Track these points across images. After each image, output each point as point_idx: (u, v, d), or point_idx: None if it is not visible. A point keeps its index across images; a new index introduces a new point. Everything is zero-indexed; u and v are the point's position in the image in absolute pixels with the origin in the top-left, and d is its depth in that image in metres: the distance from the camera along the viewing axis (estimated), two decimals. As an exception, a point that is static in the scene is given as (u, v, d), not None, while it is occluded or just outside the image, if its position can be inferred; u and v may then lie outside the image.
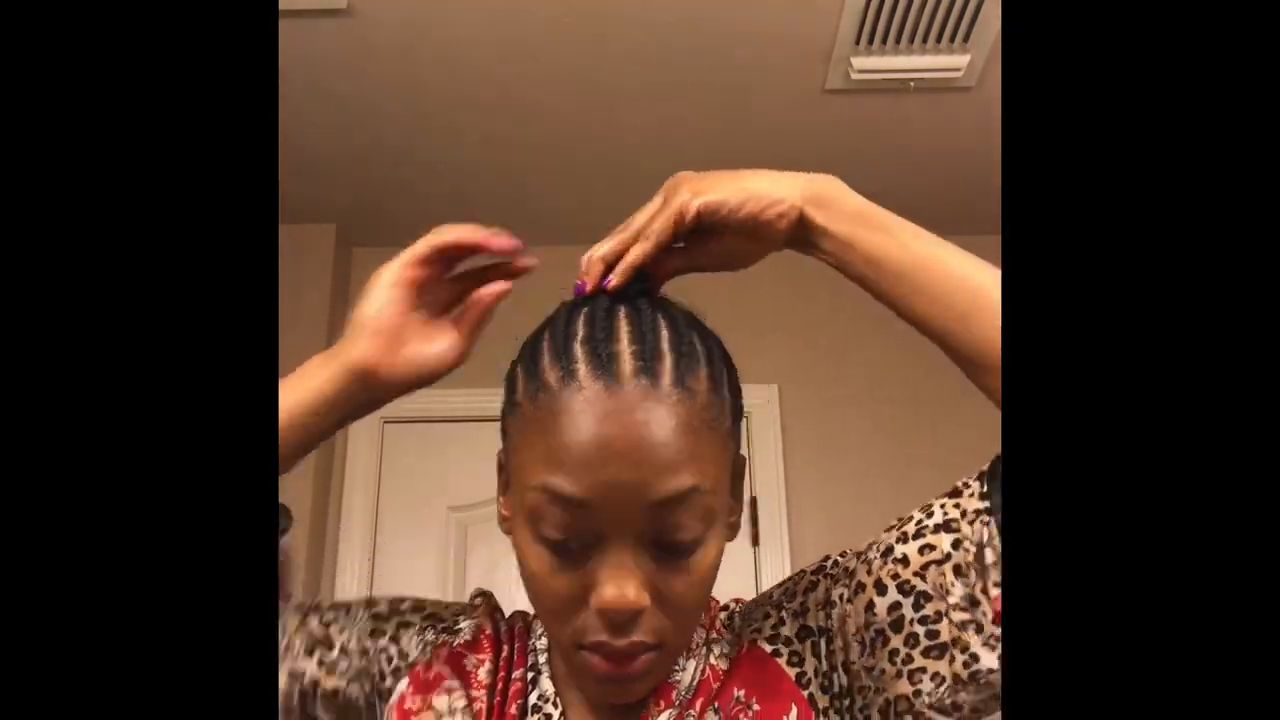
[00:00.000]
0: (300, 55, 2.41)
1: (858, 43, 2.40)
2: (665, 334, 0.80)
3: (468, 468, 3.03)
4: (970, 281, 0.81)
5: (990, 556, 0.78)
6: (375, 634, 0.93)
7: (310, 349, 3.27)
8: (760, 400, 3.13)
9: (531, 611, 0.92)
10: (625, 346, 0.78)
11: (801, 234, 0.86)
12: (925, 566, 0.81)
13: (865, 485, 2.98)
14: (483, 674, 0.88)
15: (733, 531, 0.86)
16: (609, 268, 0.86)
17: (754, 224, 0.84)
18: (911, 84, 2.52)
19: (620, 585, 0.75)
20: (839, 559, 0.91)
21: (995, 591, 0.78)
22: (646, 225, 0.86)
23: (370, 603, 0.96)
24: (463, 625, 0.93)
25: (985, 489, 0.81)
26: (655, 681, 0.83)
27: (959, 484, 0.84)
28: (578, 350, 0.78)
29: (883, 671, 0.82)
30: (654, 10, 2.30)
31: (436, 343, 0.92)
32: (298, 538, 3.06)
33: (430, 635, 0.93)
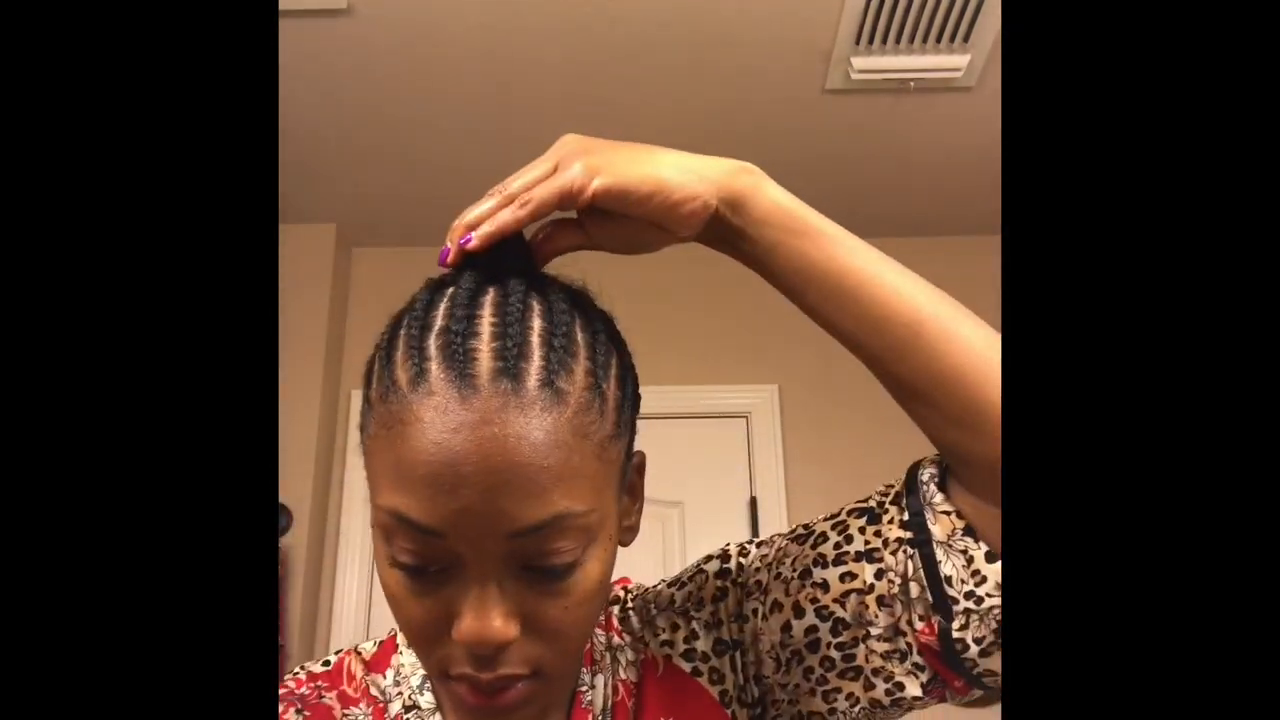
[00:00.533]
0: (300, 55, 2.41)
1: (858, 43, 2.40)
2: (536, 324, 0.70)
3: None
4: (906, 308, 0.74)
5: (915, 589, 0.74)
6: None
7: (310, 348, 3.28)
8: (760, 400, 3.13)
9: (363, 652, 0.87)
10: (485, 343, 0.67)
11: (717, 232, 0.78)
12: (845, 594, 0.77)
13: (865, 485, 2.97)
14: None
15: (630, 534, 0.78)
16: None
17: (661, 216, 0.75)
18: (911, 84, 2.52)
19: (481, 617, 0.66)
20: (741, 560, 0.86)
21: (920, 624, 0.75)
22: (525, 191, 0.73)
23: None
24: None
25: (906, 516, 0.77)
26: (537, 709, 0.75)
27: (874, 504, 0.81)
28: (432, 345, 0.68)
29: (797, 686, 0.81)
30: (654, 10, 2.30)
31: None
32: (297, 537, 3.04)
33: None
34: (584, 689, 0.81)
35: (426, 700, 0.80)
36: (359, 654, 0.86)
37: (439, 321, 0.69)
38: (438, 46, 2.41)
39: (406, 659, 0.83)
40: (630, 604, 0.90)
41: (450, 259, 0.73)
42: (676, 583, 0.89)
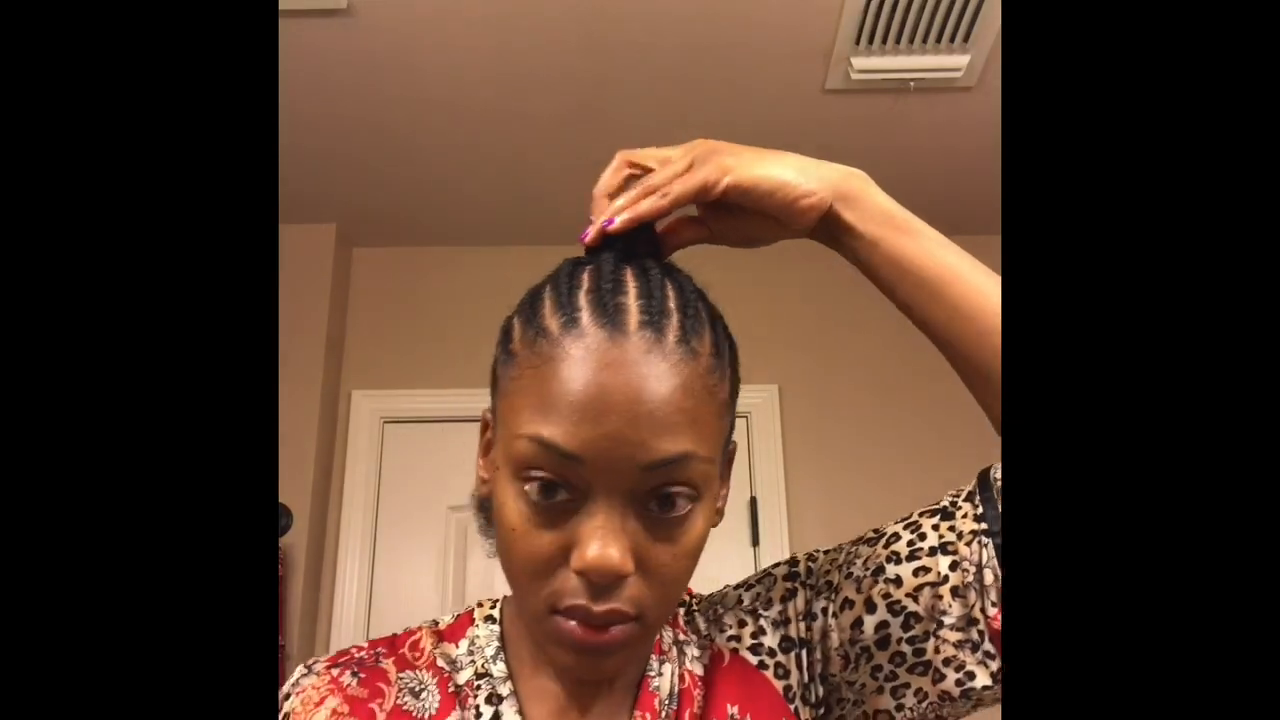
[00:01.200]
0: (300, 55, 2.41)
1: (858, 42, 2.40)
2: (672, 293, 0.77)
3: (468, 468, 3.03)
4: (991, 299, 0.80)
5: (989, 577, 0.78)
6: None
7: (310, 348, 3.28)
8: (760, 400, 3.14)
9: (439, 623, 0.90)
10: (632, 300, 0.74)
11: (827, 228, 0.86)
12: (919, 588, 0.81)
13: (865, 485, 2.98)
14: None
15: (719, 517, 0.83)
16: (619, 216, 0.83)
17: (781, 210, 0.83)
18: (911, 84, 2.52)
19: (605, 545, 0.70)
20: (810, 564, 0.90)
21: (993, 610, 0.78)
22: (666, 184, 0.83)
23: None
24: (286, 709, 0.85)
25: (980, 509, 0.81)
26: (627, 659, 0.79)
27: (947, 503, 0.85)
28: (582, 299, 0.75)
29: (864, 685, 0.83)
30: (653, 10, 2.30)
31: None
32: (297, 537, 3.04)
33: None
34: (652, 674, 0.84)
35: (499, 669, 0.84)
36: (434, 625, 0.90)
37: (586, 283, 0.76)
38: (438, 46, 2.41)
39: (482, 630, 0.88)
40: (695, 607, 0.93)
41: (590, 237, 0.83)
42: (743, 585, 0.93)
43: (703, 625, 0.91)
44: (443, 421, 3.09)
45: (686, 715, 0.82)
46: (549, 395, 0.71)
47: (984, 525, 0.80)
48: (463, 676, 0.84)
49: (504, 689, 0.83)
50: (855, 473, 3.03)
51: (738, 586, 0.93)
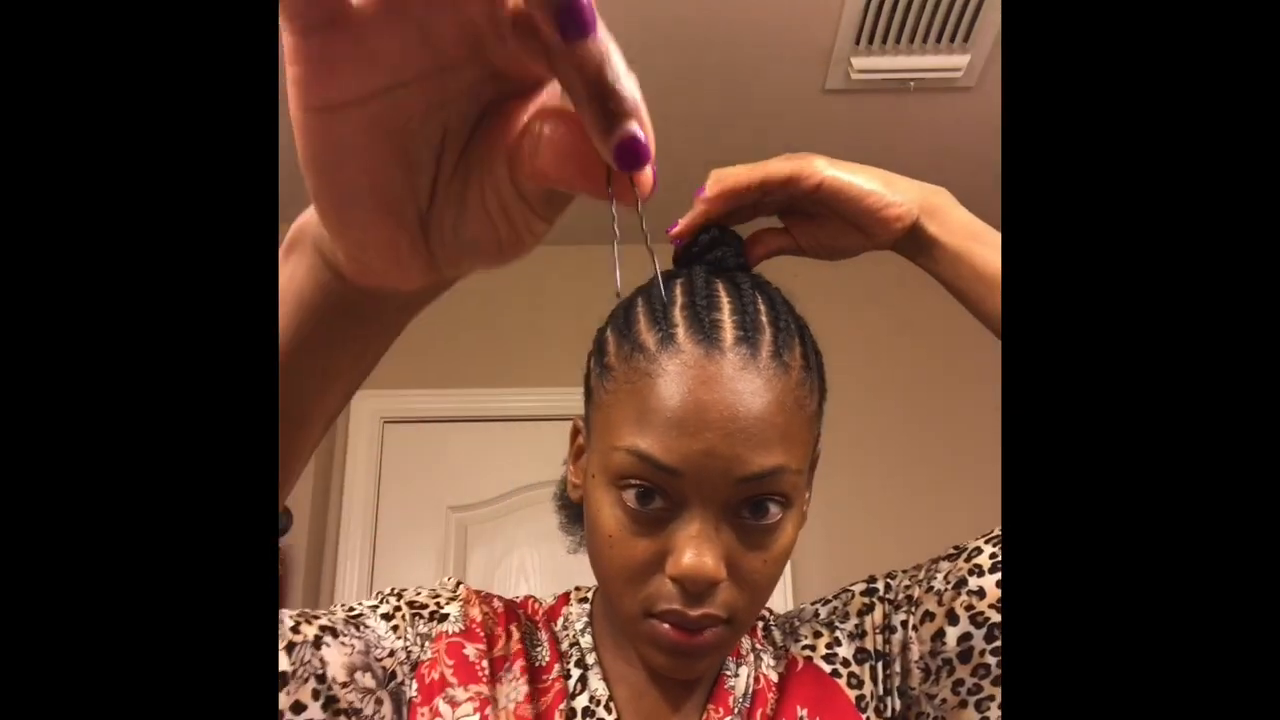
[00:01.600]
0: (300, 55, 2.41)
1: (858, 42, 2.40)
2: (763, 307, 0.79)
3: (468, 467, 3.04)
4: None
5: None
6: (394, 640, 0.86)
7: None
8: (760, 400, 3.13)
9: (541, 601, 0.92)
10: (727, 315, 0.76)
11: (913, 241, 0.87)
12: (1001, 600, 0.81)
13: (864, 486, 2.98)
14: (485, 665, 0.84)
15: (803, 519, 0.84)
16: (723, 195, 0.83)
17: (870, 218, 0.85)
18: (911, 84, 2.52)
19: (700, 553, 0.73)
20: (889, 581, 0.91)
21: None
22: (765, 167, 0.85)
23: (371, 609, 0.88)
24: (449, 610, 0.88)
25: None
26: (718, 660, 0.82)
27: None
28: (677, 315, 0.76)
29: (944, 701, 0.83)
30: (654, 9, 2.30)
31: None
32: (297, 537, 3.04)
33: (422, 626, 0.87)
34: (729, 674, 0.86)
35: (586, 641, 0.88)
36: (536, 600, 0.94)
37: (680, 298, 0.78)
38: (438, 46, 2.42)
39: (575, 609, 0.91)
40: (773, 622, 0.95)
41: (679, 229, 0.84)
42: (822, 600, 0.95)
43: (779, 638, 0.92)
44: (443, 421, 3.10)
45: (759, 714, 0.84)
46: (647, 410, 0.73)
47: None
48: (563, 643, 0.88)
49: (590, 659, 0.87)
50: (856, 472, 3.02)
51: (815, 602, 0.95)
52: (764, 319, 0.77)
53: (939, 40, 2.39)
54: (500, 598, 0.93)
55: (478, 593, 0.92)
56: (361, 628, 0.83)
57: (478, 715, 0.81)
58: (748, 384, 0.73)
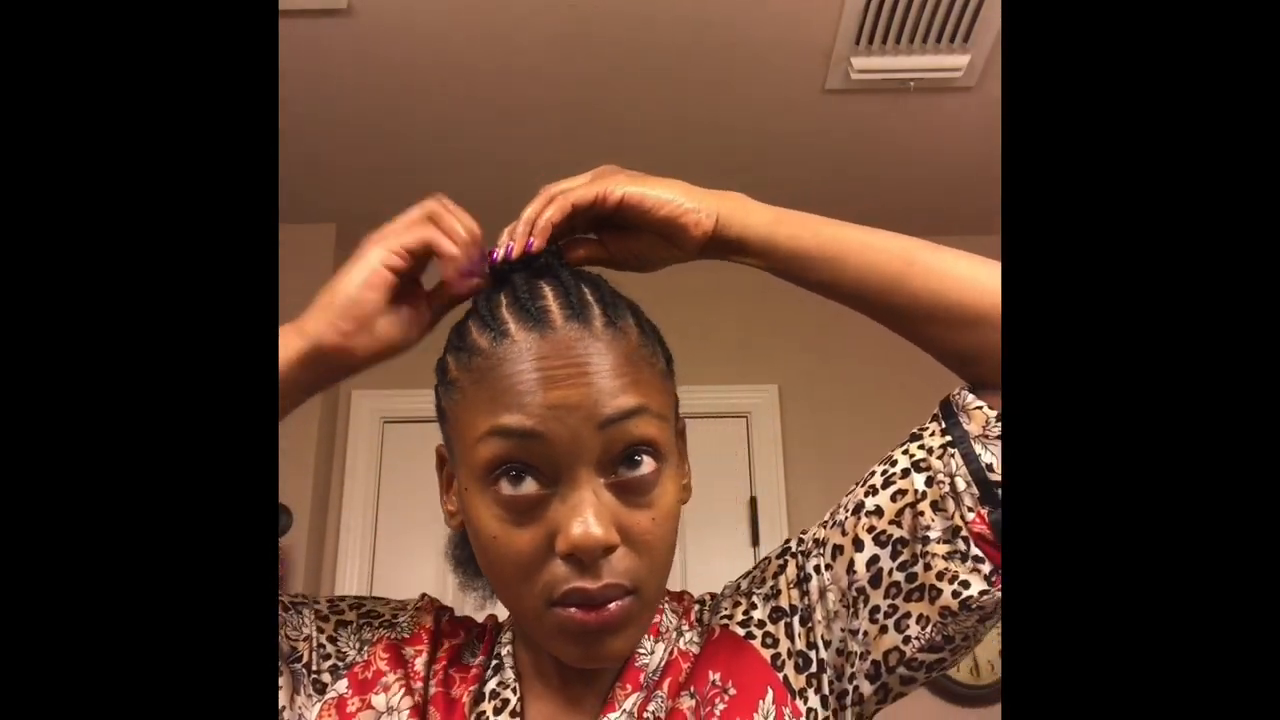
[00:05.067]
0: (300, 55, 2.41)
1: (858, 42, 2.40)
2: (587, 290, 0.82)
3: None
4: (893, 246, 0.86)
5: (961, 484, 0.81)
6: (315, 632, 0.90)
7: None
8: (760, 400, 3.13)
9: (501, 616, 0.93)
10: (552, 300, 0.80)
11: (718, 243, 0.89)
12: (900, 512, 0.84)
13: (859, 475, 2.96)
14: (419, 664, 0.88)
15: (686, 494, 0.88)
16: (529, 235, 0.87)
17: (670, 227, 0.86)
18: (911, 84, 2.52)
19: (585, 522, 0.74)
20: (801, 536, 0.93)
21: (971, 516, 0.80)
22: (562, 192, 0.88)
23: (311, 601, 0.92)
24: (401, 620, 0.93)
25: (945, 425, 0.85)
26: (634, 637, 0.81)
27: (915, 430, 0.89)
28: (504, 313, 0.80)
29: (866, 633, 0.84)
30: (654, 10, 2.30)
31: (403, 320, 0.88)
32: (297, 537, 3.03)
33: (367, 633, 0.91)
34: (642, 651, 0.87)
35: (507, 637, 0.91)
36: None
37: (504, 299, 0.81)
38: (438, 46, 2.41)
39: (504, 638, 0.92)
40: (707, 604, 0.96)
41: (501, 255, 0.87)
42: (745, 574, 0.96)
43: (706, 617, 0.93)
44: (443, 421, 3.09)
45: (667, 683, 0.85)
46: (497, 393, 0.76)
47: (949, 437, 0.84)
48: (497, 646, 0.91)
49: (505, 650, 0.90)
50: (855, 472, 3.00)
51: (741, 576, 0.96)
52: (589, 298, 0.81)
53: (939, 40, 2.39)
54: (493, 620, 0.96)
55: (446, 609, 0.96)
56: (296, 610, 0.90)
57: (403, 692, 0.85)
58: (588, 347, 0.77)
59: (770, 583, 0.91)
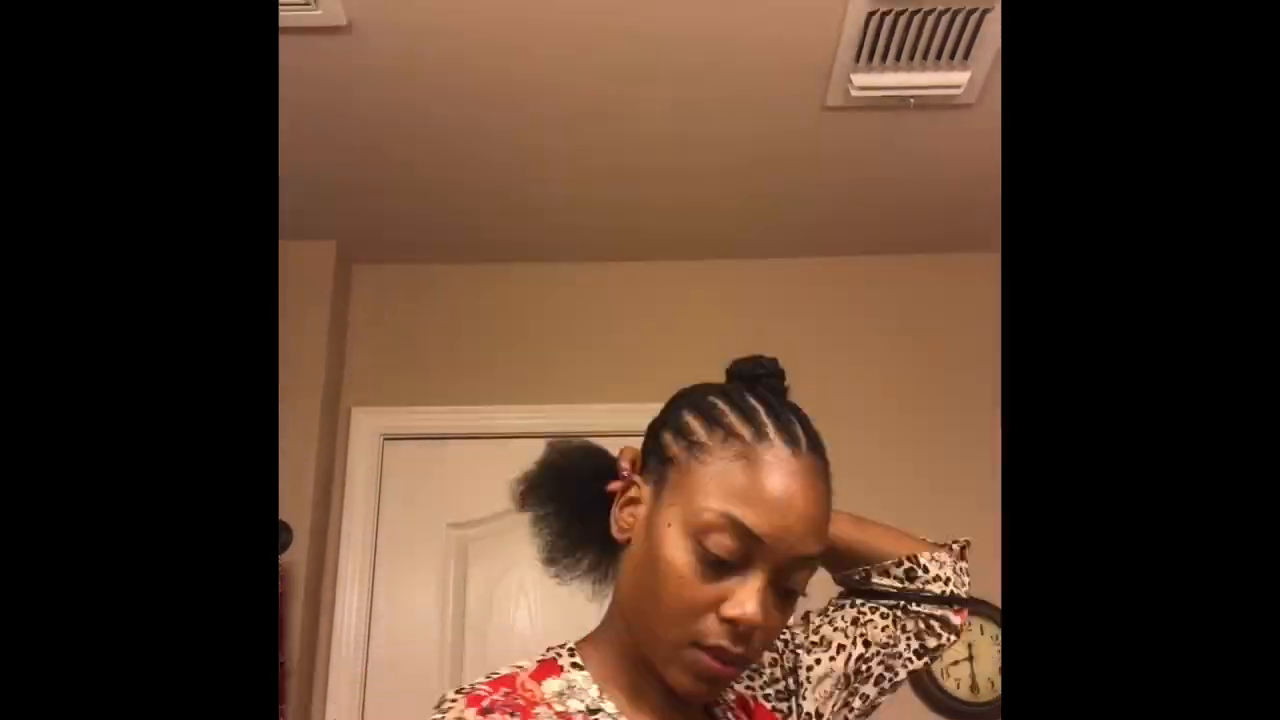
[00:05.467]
0: (301, 72, 2.42)
1: (857, 59, 2.40)
2: (810, 425, 1.01)
3: (467, 485, 3.03)
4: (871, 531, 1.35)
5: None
6: None
7: (310, 365, 3.27)
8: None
9: (523, 669, 1.01)
10: (798, 427, 0.98)
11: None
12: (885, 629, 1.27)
13: (864, 484, 2.96)
14: None
15: None
16: None
17: None
18: (911, 100, 2.52)
19: (757, 606, 0.92)
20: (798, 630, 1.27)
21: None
22: None
23: None
24: None
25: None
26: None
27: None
28: (764, 417, 0.98)
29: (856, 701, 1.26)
30: (654, 27, 2.30)
31: None
32: (297, 554, 3.02)
33: None
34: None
35: (610, 706, 1.00)
36: (522, 669, 1.03)
37: (758, 403, 1.00)
38: (438, 64, 2.42)
39: (576, 676, 1.03)
40: None
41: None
42: None
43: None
44: (443, 438, 3.09)
45: (737, 709, 1.14)
46: (747, 486, 0.94)
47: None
48: (573, 707, 0.99)
49: (610, 706, 1.00)
50: (855, 472, 3.00)
51: None
52: (815, 433, 1.00)
53: (939, 57, 2.40)
54: (496, 689, 0.97)
55: (471, 701, 0.96)
56: None
57: None
58: (814, 484, 0.96)
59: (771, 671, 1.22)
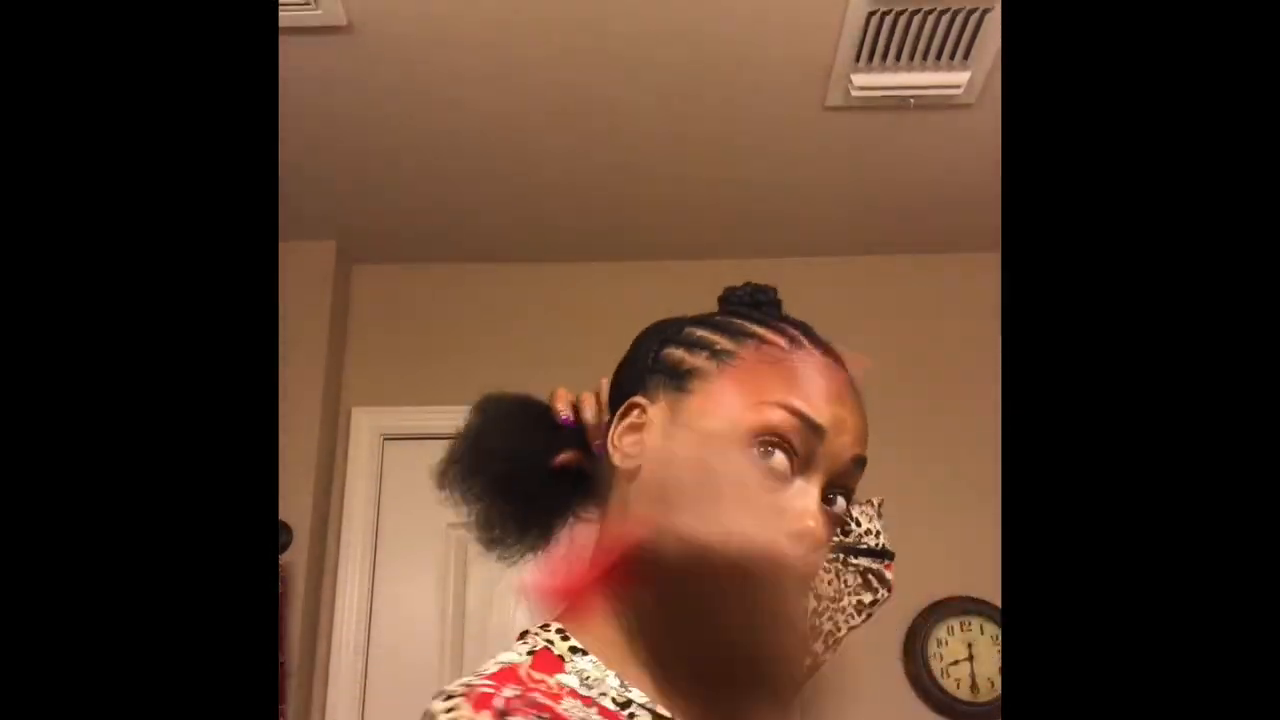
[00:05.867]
0: (301, 72, 2.42)
1: (858, 59, 2.40)
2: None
3: (468, 484, 3.03)
4: None
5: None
6: None
7: (310, 365, 3.27)
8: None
9: (520, 664, 0.85)
10: (824, 342, 0.95)
11: None
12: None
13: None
14: None
15: None
16: None
17: None
18: (911, 101, 2.52)
19: (816, 519, 0.85)
20: None
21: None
22: None
23: None
24: None
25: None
26: None
27: None
28: (791, 329, 0.94)
29: None
30: (655, 27, 2.31)
31: None
32: (297, 554, 3.02)
33: None
34: None
35: (639, 695, 0.86)
36: (514, 665, 0.86)
37: (780, 318, 0.97)
38: (438, 63, 2.42)
39: (583, 663, 0.88)
40: None
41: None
42: None
43: None
44: (443, 438, 3.08)
45: None
46: (798, 380, 0.88)
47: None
48: (598, 699, 0.84)
49: (661, 709, 0.86)
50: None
51: None
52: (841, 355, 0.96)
53: (939, 57, 2.40)
54: (503, 684, 0.80)
55: (480, 702, 0.76)
56: None
57: None
58: (854, 392, 0.92)
59: None
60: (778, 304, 1.01)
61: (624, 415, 0.96)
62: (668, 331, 1.00)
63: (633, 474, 0.92)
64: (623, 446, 0.95)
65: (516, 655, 0.88)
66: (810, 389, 0.88)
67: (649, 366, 0.98)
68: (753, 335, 0.93)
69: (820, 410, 0.87)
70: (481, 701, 0.73)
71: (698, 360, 0.93)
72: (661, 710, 0.85)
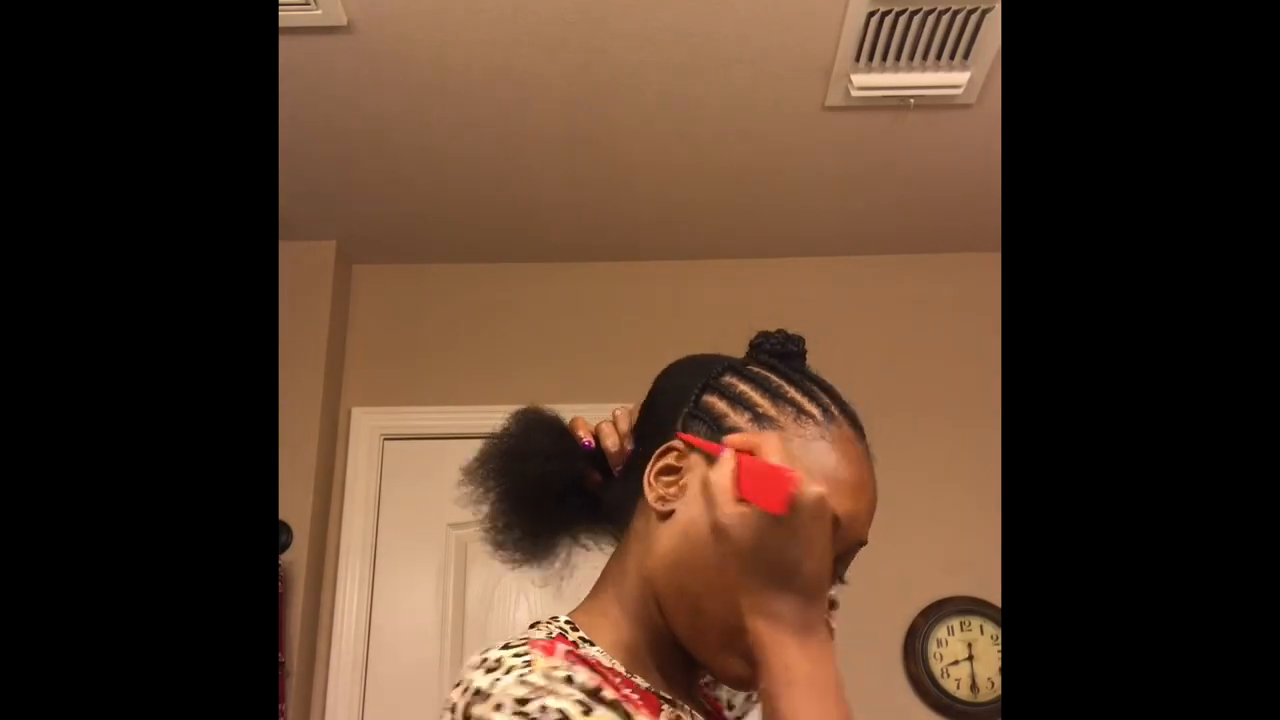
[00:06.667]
0: (301, 72, 2.42)
1: (858, 59, 2.40)
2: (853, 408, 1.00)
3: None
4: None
5: None
6: None
7: (310, 365, 3.27)
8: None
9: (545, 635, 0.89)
10: (854, 413, 0.98)
11: None
12: None
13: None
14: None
15: None
16: None
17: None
18: (911, 101, 2.52)
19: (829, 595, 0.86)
20: None
21: None
22: None
23: None
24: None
25: None
26: None
27: None
28: (825, 398, 0.96)
29: None
30: (654, 27, 2.31)
31: None
32: (297, 554, 3.02)
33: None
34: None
35: (641, 682, 0.92)
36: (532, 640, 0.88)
37: (814, 383, 0.98)
38: (438, 63, 2.42)
39: (598, 655, 0.93)
40: None
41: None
42: None
43: None
44: (443, 438, 3.09)
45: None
46: (830, 469, 0.91)
47: None
48: (616, 680, 0.89)
49: (664, 693, 0.93)
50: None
51: None
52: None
53: (939, 57, 2.40)
54: (560, 647, 0.86)
55: (547, 649, 0.85)
56: None
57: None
58: (872, 470, 0.96)
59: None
60: (804, 355, 1.04)
61: (662, 455, 0.98)
62: (709, 375, 1.01)
63: (665, 515, 0.95)
64: (658, 487, 0.97)
65: (538, 634, 0.93)
66: (838, 480, 0.90)
67: (690, 411, 0.99)
68: (792, 402, 0.95)
69: (841, 503, 0.89)
70: (549, 648, 0.84)
71: (740, 420, 0.95)
72: (664, 693, 0.93)
